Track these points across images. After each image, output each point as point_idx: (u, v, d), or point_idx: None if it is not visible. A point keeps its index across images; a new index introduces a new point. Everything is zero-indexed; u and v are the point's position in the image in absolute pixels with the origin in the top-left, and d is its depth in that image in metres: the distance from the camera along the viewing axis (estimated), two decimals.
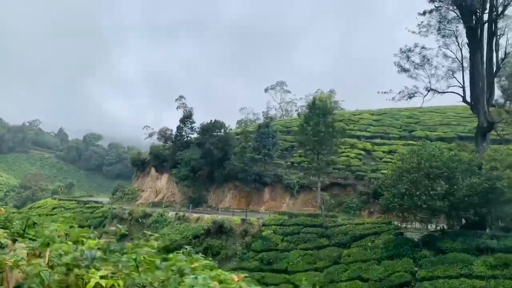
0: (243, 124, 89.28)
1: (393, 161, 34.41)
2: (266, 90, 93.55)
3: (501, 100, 30.32)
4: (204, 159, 49.26)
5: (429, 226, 30.43)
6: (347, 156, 48.06)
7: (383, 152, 48.64)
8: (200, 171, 49.52)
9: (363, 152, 48.94)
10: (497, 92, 30.18)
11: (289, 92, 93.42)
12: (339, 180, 44.59)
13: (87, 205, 52.50)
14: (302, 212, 38.80)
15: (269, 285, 29.07)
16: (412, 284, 23.06)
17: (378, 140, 52.04)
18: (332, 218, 34.97)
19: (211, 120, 49.65)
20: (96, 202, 55.53)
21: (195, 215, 39.31)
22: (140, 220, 41.01)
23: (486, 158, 24.94)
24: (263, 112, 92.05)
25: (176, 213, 40.59)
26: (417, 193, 24.22)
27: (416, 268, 24.19)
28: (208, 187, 51.72)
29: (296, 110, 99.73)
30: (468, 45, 28.63)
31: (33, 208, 57.24)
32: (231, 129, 50.62)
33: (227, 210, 45.10)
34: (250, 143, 48.66)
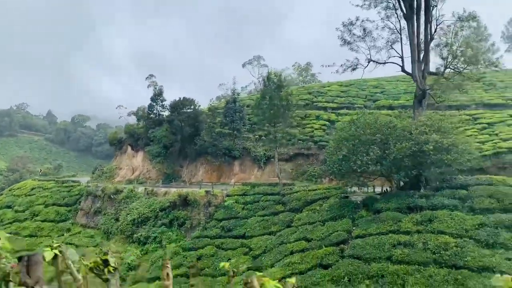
0: (222, 100, 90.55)
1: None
2: (243, 65, 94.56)
3: (442, 68, 31.91)
4: (175, 135, 50.95)
5: (376, 189, 32.59)
6: (312, 127, 49.94)
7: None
8: (172, 147, 51.29)
9: (327, 123, 50.80)
10: (439, 61, 31.83)
11: (266, 66, 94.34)
12: (302, 151, 46.60)
13: (64, 185, 54.22)
14: (264, 182, 40.88)
15: (227, 250, 31.41)
16: (349, 241, 25.25)
17: (342, 111, 53.84)
18: (290, 186, 37.03)
19: (179, 98, 50.97)
20: (74, 181, 57.25)
21: (163, 190, 41.28)
22: (112, 196, 42.88)
23: (417, 123, 26.83)
24: (242, 87, 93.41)
25: (145, 189, 42.52)
26: (354, 159, 26.16)
27: (354, 227, 26.39)
28: (181, 162, 53.58)
29: None
30: (404, 16, 30.15)
31: (13, 189, 58.88)
32: (200, 106, 51.97)
33: (200, 183, 47.08)
34: (219, 119, 50.29)
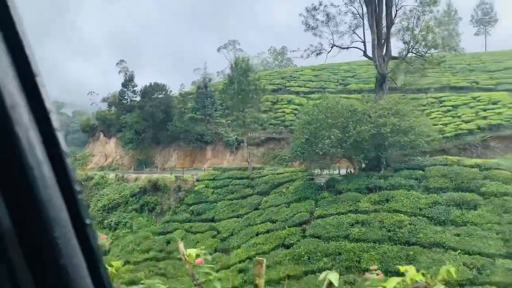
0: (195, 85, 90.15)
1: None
2: (219, 49, 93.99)
3: (405, 53, 32.73)
4: (147, 121, 50.85)
5: (341, 172, 33.48)
6: (283, 111, 50.54)
7: None
8: (144, 133, 51.22)
9: (298, 107, 51.38)
10: (400, 45, 32.64)
11: (242, 50, 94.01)
12: (274, 135, 47.25)
13: None
14: (234, 167, 41.42)
15: (196, 233, 32.01)
16: (311, 222, 26.10)
17: (314, 95, 54.45)
18: (259, 170, 37.67)
19: (150, 83, 50.80)
20: None
21: (133, 176, 41.47)
22: (83, 183, 42.83)
23: (376, 107, 27.63)
24: (217, 72, 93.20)
25: (116, 175, 42.62)
26: (316, 142, 26.87)
27: (316, 208, 27.24)
28: (154, 148, 53.61)
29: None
30: (365, 1, 30.75)
31: None
32: (171, 91, 51.89)
33: (171, 169, 47.31)
34: (191, 104, 50.39)
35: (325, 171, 34.09)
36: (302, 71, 65.54)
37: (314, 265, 22.43)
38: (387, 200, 24.99)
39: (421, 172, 26.50)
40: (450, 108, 43.40)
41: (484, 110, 40.53)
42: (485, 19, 79.68)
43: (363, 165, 30.23)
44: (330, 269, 21.92)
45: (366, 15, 31.40)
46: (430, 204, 23.73)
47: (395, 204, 24.27)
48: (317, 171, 33.73)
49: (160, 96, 50.90)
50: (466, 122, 38.62)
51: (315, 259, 22.85)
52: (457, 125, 38.40)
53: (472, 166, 25.93)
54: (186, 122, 48.12)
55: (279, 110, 51.46)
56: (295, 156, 29.82)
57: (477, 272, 19.55)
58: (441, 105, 44.94)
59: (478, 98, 44.10)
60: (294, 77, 62.07)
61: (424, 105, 45.58)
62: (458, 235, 21.67)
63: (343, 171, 33.29)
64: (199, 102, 48.26)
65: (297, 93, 56.73)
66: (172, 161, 51.40)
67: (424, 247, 21.42)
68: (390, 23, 30.90)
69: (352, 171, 31.36)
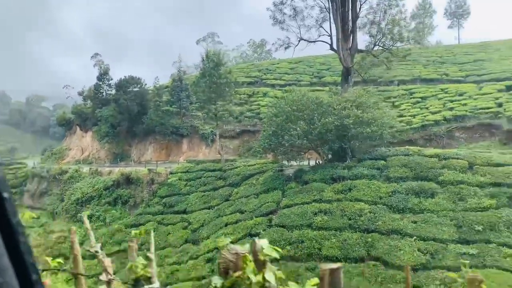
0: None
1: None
2: (197, 42, 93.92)
3: (371, 46, 33.45)
4: (122, 115, 50.86)
5: (311, 163, 34.21)
6: (258, 104, 51.06)
7: None
8: (119, 127, 51.24)
9: (273, 100, 51.92)
10: (368, 38, 33.36)
11: (221, 43, 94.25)
12: (248, 127, 47.78)
13: (10, 167, 53.39)
14: (208, 159, 41.89)
15: (167, 225, 32.47)
16: (277, 211, 26.78)
17: (289, 88, 55.03)
18: (232, 162, 38.19)
19: (125, 76, 50.73)
20: (20, 163, 56.43)
21: (107, 169, 41.62)
22: (58, 177, 42.83)
23: (340, 99, 28.33)
24: (195, 65, 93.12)
25: (90, 168, 42.70)
26: (282, 134, 27.48)
27: (283, 198, 27.92)
28: (130, 142, 53.71)
29: (230, 61, 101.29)
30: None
31: None
32: (146, 84, 51.90)
33: (149, 162, 47.51)
34: (167, 97, 50.52)
35: (296, 163, 34.85)
36: (278, 64, 66.10)
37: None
38: (350, 190, 25.79)
39: (383, 162, 27.35)
40: (419, 99, 44.48)
41: (451, 101, 41.71)
42: (458, 12, 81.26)
43: (330, 156, 30.95)
44: (292, 256, 22.61)
45: (332, 8, 31.98)
46: (390, 193, 24.58)
47: (356, 193, 25.07)
48: (287, 162, 34.46)
49: (135, 89, 50.86)
50: (433, 113, 39.71)
51: (279, 247, 23.42)
52: (424, 116, 39.47)
53: (431, 156, 26.86)
54: (161, 115, 48.29)
55: (255, 103, 52.00)
56: (263, 148, 30.41)
57: (430, 256, 20.47)
58: (411, 96, 46.00)
59: (446, 90, 45.29)
60: (271, 70, 62.59)
61: (394, 97, 46.60)
62: (415, 222, 22.56)
63: (313, 162, 34.06)
64: (174, 95, 48.46)
65: (273, 85, 57.30)
66: (148, 154, 51.57)
67: (382, 234, 22.26)
68: (355, 17, 31.56)
69: (320, 162, 32.10)
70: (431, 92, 45.75)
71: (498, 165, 25.16)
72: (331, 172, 27.80)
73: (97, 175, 40.86)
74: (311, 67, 61.92)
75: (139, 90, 50.80)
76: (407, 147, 29.51)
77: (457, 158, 26.15)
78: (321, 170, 28.76)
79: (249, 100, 52.98)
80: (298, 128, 26.89)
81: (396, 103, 44.94)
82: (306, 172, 29.71)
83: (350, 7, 31.21)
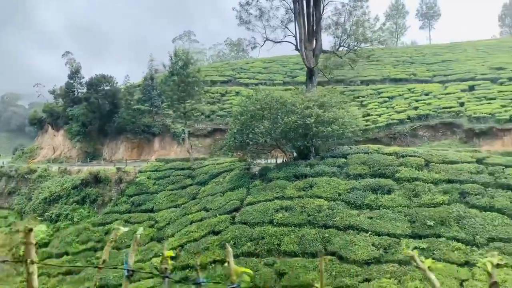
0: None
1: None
2: (173, 40, 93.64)
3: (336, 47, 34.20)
4: (94, 113, 50.56)
5: (279, 161, 34.75)
6: (231, 103, 51.37)
7: None
8: (90, 126, 50.93)
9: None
10: (333, 39, 34.07)
11: (197, 41, 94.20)
12: (220, 126, 48.06)
13: None
14: (177, 158, 42.08)
15: (134, 223, 32.57)
16: (241, 209, 27.22)
17: (263, 87, 55.50)
18: (201, 161, 38.48)
19: (96, 75, 50.43)
20: None
21: (76, 168, 41.42)
22: (26, 176, 42.40)
23: (304, 98, 28.94)
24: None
25: (59, 167, 42.39)
26: (246, 132, 27.93)
27: (248, 196, 28.37)
28: (102, 140, 53.41)
29: (207, 60, 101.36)
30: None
31: None
32: (117, 83, 51.70)
33: (120, 161, 47.39)
34: (138, 96, 50.41)
35: (263, 161, 35.38)
36: (252, 63, 66.54)
37: (238, 250, 23.54)
38: (311, 187, 26.39)
39: (343, 160, 28.06)
40: (386, 99, 45.51)
41: (417, 101, 42.85)
42: (429, 13, 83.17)
43: (295, 154, 31.53)
44: (252, 252, 23.03)
45: (296, 9, 32.54)
46: (349, 190, 25.29)
47: (317, 190, 25.68)
48: (255, 160, 34.93)
49: (107, 88, 50.59)
50: (399, 112, 40.73)
51: (240, 243, 23.97)
52: (390, 115, 40.44)
53: (390, 154, 27.69)
54: (132, 114, 48.19)
55: (227, 102, 52.32)
56: (228, 146, 30.81)
57: (384, 251, 21.22)
58: (378, 96, 46.99)
59: (413, 90, 46.45)
60: (245, 69, 62.99)
61: (363, 97, 47.54)
62: (371, 218, 23.29)
63: (280, 160, 34.61)
64: (145, 93, 48.41)
65: (246, 84, 57.66)
66: (119, 153, 51.39)
67: (339, 230, 22.92)
68: (318, 18, 32.20)
69: (286, 160, 32.67)
70: (398, 91, 46.84)
71: (452, 162, 26.13)
72: (294, 170, 28.37)
73: (65, 174, 40.62)
74: (284, 66, 62.56)
75: (110, 89, 50.55)
76: (368, 145, 30.30)
77: (414, 156, 27.03)
78: (285, 168, 29.30)
79: (221, 99, 53.29)
80: (262, 127, 27.36)
81: (364, 103, 45.88)
82: (271, 170, 30.21)
83: (313, 9, 31.83)
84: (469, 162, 26.02)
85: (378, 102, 45.14)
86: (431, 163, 26.26)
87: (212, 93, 54.32)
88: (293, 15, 32.65)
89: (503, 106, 37.23)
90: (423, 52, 63.21)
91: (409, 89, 46.86)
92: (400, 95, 45.76)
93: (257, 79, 58.86)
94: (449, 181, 24.64)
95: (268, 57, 67.90)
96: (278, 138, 28.00)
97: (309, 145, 28.39)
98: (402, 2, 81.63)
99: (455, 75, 48.92)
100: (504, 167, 25.08)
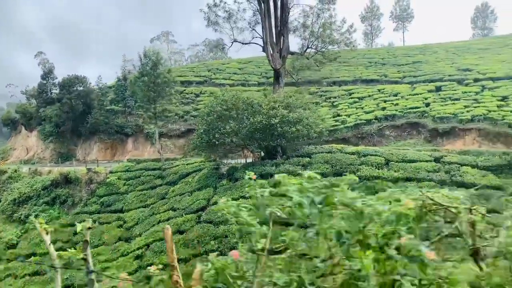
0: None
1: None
2: (151, 40, 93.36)
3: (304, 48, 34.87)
4: (67, 114, 50.28)
5: (248, 160, 35.27)
6: (204, 104, 51.64)
7: None
8: (63, 126, 50.63)
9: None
10: (300, 41, 34.75)
11: (175, 42, 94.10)
12: (194, 126, 48.25)
13: None
14: (151, 158, 42.26)
15: (103, 224, 32.67)
16: (207, 208, 27.65)
17: (237, 88, 55.99)
18: (172, 161, 38.76)
19: (69, 75, 50.19)
20: None
21: (47, 169, 41.21)
22: None
23: (269, 99, 29.51)
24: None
25: (30, 168, 42.11)
26: (212, 133, 28.36)
27: (215, 195, 28.81)
28: (75, 141, 53.14)
29: (185, 60, 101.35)
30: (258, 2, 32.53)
31: None
32: (91, 83, 51.51)
33: (93, 162, 47.23)
34: (112, 96, 50.34)
35: (233, 161, 35.83)
36: (228, 63, 66.93)
37: (202, 248, 24.00)
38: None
39: (308, 159, 28.73)
40: (357, 99, 46.45)
41: (385, 101, 43.87)
42: (403, 15, 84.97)
43: (263, 154, 32.08)
44: (215, 251, 23.50)
45: (262, 11, 33.07)
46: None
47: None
48: (223, 160, 35.38)
49: (80, 88, 50.37)
50: (367, 112, 41.66)
51: (204, 242, 24.43)
52: (358, 115, 41.35)
53: (352, 153, 28.47)
54: (105, 114, 48.12)
55: (201, 102, 52.51)
56: (195, 146, 31.20)
57: None
58: (349, 97, 47.91)
59: (382, 90, 47.50)
60: (220, 70, 63.35)
61: (335, 97, 48.42)
62: None
63: (250, 160, 35.13)
64: (118, 94, 48.38)
65: (221, 85, 57.96)
66: (93, 153, 51.22)
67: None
68: (285, 20, 32.82)
69: (254, 160, 33.21)
70: (368, 92, 47.83)
71: (411, 161, 27.03)
72: (260, 170, 28.87)
73: (36, 175, 40.38)
74: (259, 67, 63.10)
75: (84, 89, 50.34)
76: (332, 145, 31.04)
77: (375, 155, 27.85)
78: (252, 167, 29.78)
79: (196, 99, 53.59)
80: (228, 127, 27.82)
81: (336, 103, 46.75)
82: (238, 169, 30.69)
83: (280, 11, 32.43)
84: (427, 161, 26.95)
85: (349, 103, 46.02)
86: (391, 162, 27.11)
87: (187, 94, 54.59)
88: (259, 17, 33.16)
89: (466, 106, 38.44)
90: (395, 54, 64.57)
91: (379, 90, 47.91)
92: (370, 95, 46.74)
93: (232, 79, 59.30)
94: (407, 179, 25.47)
95: (244, 58, 68.43)
96: (244, 138, 28.48)
97: (275, 145, 28.94)
98: (377, 5, 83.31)
99: (424, 76, 50.17)
100: (459, 165, 26.06)
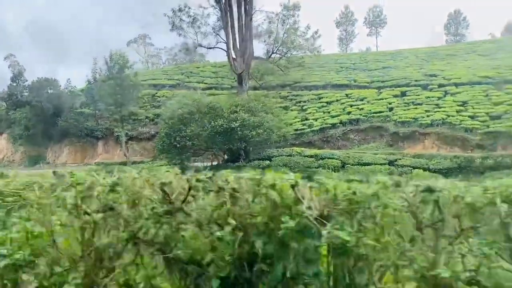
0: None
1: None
2: (128, 43, 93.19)
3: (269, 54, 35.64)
4: (37, 117, 50.01)
5: (213, 163, 35.75)
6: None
7: None
8: (33, 129, 50.33)
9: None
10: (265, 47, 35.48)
11: (152, 45, 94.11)
12: None
13: None
14: (117, 161, 42.42)
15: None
16: None
17: (210, 91, 56.42)
18: (138, 164, 38.98)
19: (38, 78, 50.00)
20: None
21: (13, 172, 40.89)
22: None
23: (231, 103, 30.11)
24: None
25: None
26: (174, 136, 28.80)
27: None
28: (46, 144, 52.79)
29: (163, 63, 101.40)
30: (222, 6, 33.17)
31: None
32: (60, 86, 51.41)
33: (64, 164, 47.10)
34: (81, 99, 50.30)
35: (200, 164, 36.26)
36: (203, 67, 67.31)
37: None
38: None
39: (268, 162, 29.39)
40: (325, 104, 47.34)
41: (351, 106, 44.85)
42: (376, 21, 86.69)
43: (226, 157, 32.64)
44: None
45: (230, 17, 33.70)
46: None
47: None
48: (192, 163, 35.82)
49: (50, 91, 50.19)
50: (333, 116, 42.57)
51: None
52: (325, 119, 42.22)
53: (311, 156, 29.25)
54: (75, 117, 48.02)
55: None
56: (157, 149, 31.57)
57: None
58: (318, 101, 48.75)
59: (350, 95, 48.50)
60: (194, 73, 63.67)
61: (304, 101, 49.23)
62: None
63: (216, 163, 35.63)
64: (88, 97, 48.35)
65: (194, 88, 58.20)
66: (63, 156, 51.03)
67: None
68: (248, 26, 33.49)
69: (219, 163, 33.74)
70: (336, 97, 48.74)
71: (367, 164, 27.92)
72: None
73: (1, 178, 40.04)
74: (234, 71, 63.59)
75: (54, 92, 50.15)
76: (293, 148, 31.77)
77: (333, 158, 28.68)
78: (214, 170, 30.26)
79: (167, 102, 53.80)
80: (188, 130, 28.30)
81: (305, 107, 47.57)
82: (200, 172, 31.10)
83: (243, 17, 33.08)
84: (381, 164, 27.87)
85: (317, 107, 46.87)
86: (347, 165, 27.95)
87: (159, 97, 54.76)
88: (224, 22, 33.75)
89: (427, 111, 39.64)
90: (367, 59, 65.87)
91: (347, 95, 48.87)
92: (337, 100, 47.66)
93: (205, 83, 59.62)
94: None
95: (220, 62, 68.82)
96: (206, 141, 28.97)
97: (235, 148, 29.51)
98: (351, 11, 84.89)
99: (391, 81, 51.33)
100: (412, 168, 27.04)
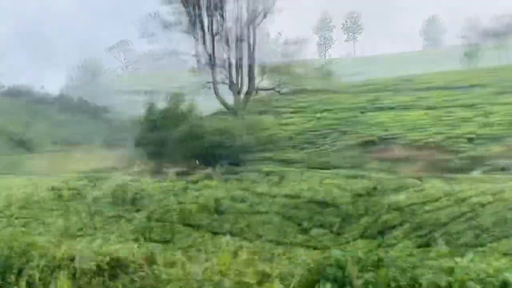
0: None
1: None
2: (109, 49, 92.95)
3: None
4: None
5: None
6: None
7: None
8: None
9: None
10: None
11: (134, 50, 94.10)
12: None
13: None
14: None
15: None
16: None
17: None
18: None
19: (14, 85, 50.00)
20: None
21: None
22: None
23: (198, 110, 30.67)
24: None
25: None
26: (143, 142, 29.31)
27: None
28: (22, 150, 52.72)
29: (145, 69, 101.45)
30: (189, 14, 33.56)
31: None
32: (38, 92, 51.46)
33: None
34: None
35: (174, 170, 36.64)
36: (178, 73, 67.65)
37: None
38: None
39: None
40: (298, 109, 48.04)
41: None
42: (353, 27, 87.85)
43: (198, 163, 33.07)
44: None
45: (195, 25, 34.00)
46: None
47: None
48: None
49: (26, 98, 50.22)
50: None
51: None
52: (297, 126, 42.94)
53: None
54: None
55: None
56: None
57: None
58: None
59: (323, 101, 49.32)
60: (176, 79, 63.95)
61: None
62: None
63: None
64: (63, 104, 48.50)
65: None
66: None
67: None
68: (215, 33, 33.98)
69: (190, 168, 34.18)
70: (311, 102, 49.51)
71: None
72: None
73: None
74: None
75: (30, 98, 50.19)
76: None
77: None
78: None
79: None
80: (156, 137, 28.79)
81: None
82: None
83: (210, 24, 33.48)
84: None
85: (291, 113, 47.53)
86: None
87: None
88: (198, 31, 33.97)
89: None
90: (342, 65, 66.81)
91: (320, 100, 49.66)
92: (310, 106, 48.41)
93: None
94: None
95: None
96: (171, 149, 29.51)
97: (201, 154, 30.06)
98: (330, 17, 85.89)
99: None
100: None
